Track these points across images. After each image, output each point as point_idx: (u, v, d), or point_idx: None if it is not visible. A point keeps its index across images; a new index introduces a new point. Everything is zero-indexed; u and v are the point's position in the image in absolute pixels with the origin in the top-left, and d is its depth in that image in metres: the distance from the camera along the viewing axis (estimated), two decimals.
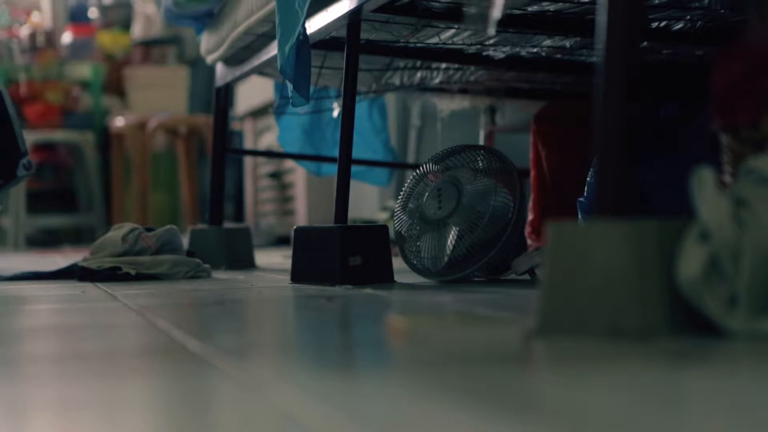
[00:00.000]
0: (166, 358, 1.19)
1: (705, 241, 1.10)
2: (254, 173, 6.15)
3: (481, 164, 2.24)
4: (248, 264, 3.13)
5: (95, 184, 6.73)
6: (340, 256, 2.13)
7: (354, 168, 2.58)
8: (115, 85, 7.03)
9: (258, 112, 5.88)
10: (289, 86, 2.19)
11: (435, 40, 2.47)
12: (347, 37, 2.23)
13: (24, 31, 7.16)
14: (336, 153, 2.30)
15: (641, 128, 1.18)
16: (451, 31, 2.40)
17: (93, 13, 7.41)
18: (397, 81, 2.94)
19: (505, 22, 2.18)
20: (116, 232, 2.60)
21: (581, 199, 2.11)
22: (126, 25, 7.22)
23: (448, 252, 2.18)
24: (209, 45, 3.09)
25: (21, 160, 2.61)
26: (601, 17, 1.17)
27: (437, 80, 2.93)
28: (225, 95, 3.23)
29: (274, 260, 3.50)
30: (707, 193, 1.12)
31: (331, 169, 3.54)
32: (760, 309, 1.09)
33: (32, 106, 6.54)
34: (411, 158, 4.37)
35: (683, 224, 1.12)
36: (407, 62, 2.81)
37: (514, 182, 2.21)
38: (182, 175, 6.53)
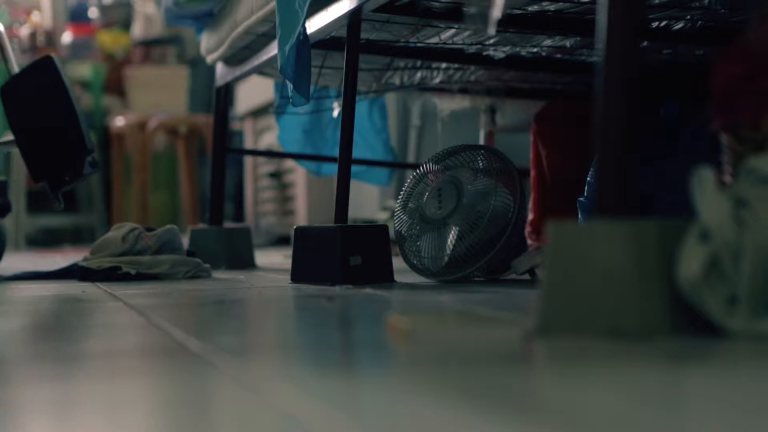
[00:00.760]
0: (166, 358, 1.19)
1: (705, 241, 1.10)
2: (254, 173, 6.15)
3: (481, 164, 2.24)
4: (248, 264, 3.13)
5: (95, 184, 6.73)
6: (340, 256, 2.13)
7: (354, 168, 2.58)
8: (115, 85, 7.03)
9: (258, 112, 5.88)
10: (289, 86, 2.19)
11: (435, 40, 2.47)
12: (347, 37, 2.23)
13: (24, 31, 7.16)
14: (336, 153, 2.30)
15: (641, 128, 1.18)
16: (451, 31, 2.40)
17: (93, 13, 7.41)
18: (397, 81, 2.94)
19: (505, 22, 2.17)
20: (116, 232, 2.60)
21: (581, 199, 2.11)
22: (126, 25, 7.22)
23: (448, 252, 2.18)
24: (209, 45, 3.09)
25: (87, 157, 2.60)
26: (601, 17, 1.17)
27: (437, 80, 2.93)
28: (225, 95, 3.23)
29: (274, 260, 3.50)
30: (707, 193, 1.12)
31: (331, 169, 3.54)
32: (760, 309, 1.09)
33: None
34: (411, 158, 4.37)
35: (683, 224, 1.12)
36: (407, 62, 2.81)
37: (514, 182, 2.21)
38: (182, 175, 6.53)
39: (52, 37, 7.24)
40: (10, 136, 2.72)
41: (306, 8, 2.09)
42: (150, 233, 2.62)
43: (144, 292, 2.12)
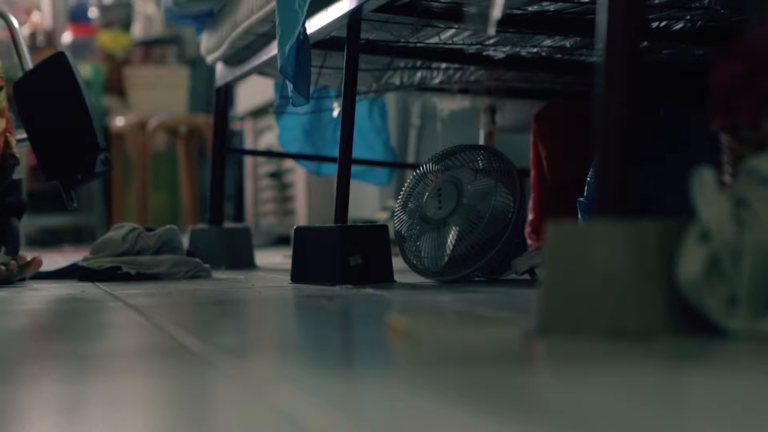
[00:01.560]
0: (166, 358, 1.19)
1: (705, 241, 1.10)
2: (254, 173, 6.15)
3: (481, 164, 2.24)
4: (248, 264, 3.13)
5: (95, 184, 6.73)
6: (340, 256, 2.13)
7: (354, 168, 2.58)
8: (115, 85, 7.03)
9: (258, 112, 5.88)
10: (289, 86, 2.19)
11: (435, 40, 2.47)
12: (347, 37, 2.23)
13: (24, 31, 7.16)
14: (336, 153, 2.30)
15: (641, 128, 1.18)
16: (451, 31, 2.40)
17: (93, 12, 7.41)
18: (397, 81, 2.94)
19: (505, 22, 2.17)
20: (116, 232, 2.60)
21: (581, 199, 2.11)
22: (126, 25, 7.22)
23: (448, 252, 2.18)
24: (209, 45, 3.09)
25: (99, 156, 2.58)
26: (601, 17, 1.17)
27: (437, 80, 2.93)
28: (225, 95, 3.23)
29: (274, 260, 3.50)
30: (707, 193, 1.12)
31: (331, 169, 3.54)
32: (760, 309, 1.09)
33: None
34: (411, 158, 4.37)
35: (683, 224, 1.12)
36: (407, 62, 2.81)
37: (514, 182, 2.21)
38: (182, 175, 6.53)
39: (52, 37, 7.24)
40: (23, 134, 2.69)
41: (306, 8, 2.09)
42: (150, 233, 2.62)
43: (144, 292, 2.12)
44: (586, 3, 2.12)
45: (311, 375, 1.03)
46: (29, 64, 2.80)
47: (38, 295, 2.15)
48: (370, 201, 4.62)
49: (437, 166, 2.29)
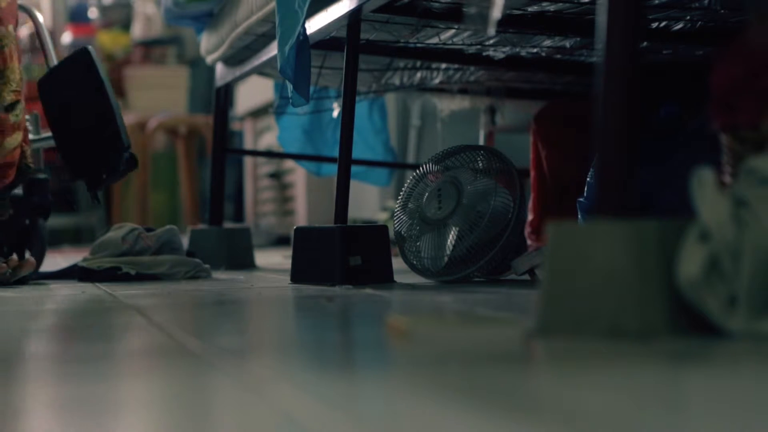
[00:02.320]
0: (166, 358, 1.19)
1: (705, 241, 1.10)
2: (254, 173, 6.15)
3: (481, 164, 2.24)
4: (248, 264, 3.13)
5: None
6: (340, 256, 2.13)
7: (354, 168, 2.58)
8: (115, 85, 7.01)
9: (258, 112, 5.88)
10: (289, 86, 2.19)
11: (435, 40, 2.47)
12: (347, 37, 2.23)
13: (24, 31, 7.16)
14: (336, 153, 2.30)
15: (641, 128, 1.18)
16: (451, 31, 2.40)
17: (93, 13, 7.41)
18: (397, 81, 2.94)
19: (505, 22, 2.17)
20: (116, 232, 2.60)
21: (581, 199, 2.11)
22: (126, 25, 7.22)
23: (448, 252, 2.18)
24: (209, 45, 3.09)
25: (124, 154, 2.51)
26: (601, 17, 1.17)
27: (437, 80, 2.93)
28: (225, 95, 3.23)
29: (274, 260, 3.50)
30: (707, 193, 1.12)
31: (331, 169, 3.54)
32: (760, 309, 1.09)
33: (32, 106, 6.53)
34: (411, 158, 4.37)
35: (683, 224, 1.12)
36: (407, 62, 2.81)
37: (514, 182, 2.21)
38: (182, 175, 6.53)
39: (52, 37, 7.24)
40: (48, 132, 2.63)
41: (306, 8, 2.09)
42: (150, 233, 2.62)
43: (144, 292, 2.12)
44: (586, 3, 2.12)
45: (311, 375, 1.03)
46: (54, 60, 2.75)
47: (38, 296, 2.15)
48: (370, 201, 4.62)
49: (437, 167, 2.29)
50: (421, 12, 2.22)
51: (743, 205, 1.12)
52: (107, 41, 7.23)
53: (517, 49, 2.55)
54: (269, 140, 5.68)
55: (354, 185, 2.40)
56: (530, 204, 2.71)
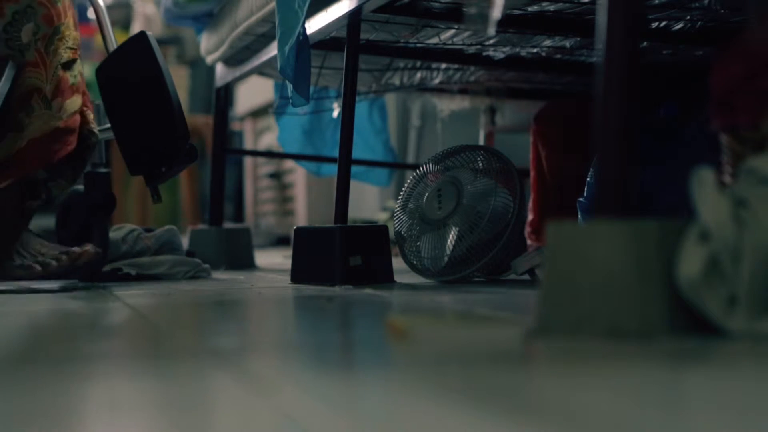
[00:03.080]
0: (165, 358, 1.19)
1: (705, 241, 1.10)
2: (254, 173, 6.15)
3: (481, 164, 2.25)
4: (248, 264, 3.14)
5: None
6: (340, 256, 2.13)
7: (354, 168, 2.58)
8: None
9: (258, 112, 5.88)
10: (289, 86, 2.19)
11: (435, 40, 2.47)
12: (347, 37, 2.23)
13: None
14: (336, 153, 2.30)
15: (641, 128, 1.18)
16: (451, 32, 2.40)
17: (93, 13, 7.41)
18: (397, 81, 2.94)
19: (505, 22, 2.18)
20: (116, 233, 2.60)
21: (581, 199, 2.11)
22: (126, 25, 7.22)
23: (448, 252, 2.18)
24: (209, 45, 3.09)
25: (184, 146, 2.29)
26: (601, 17, 1.17)
27: (437, 80, 2.93)
28: (225, 95, 3.24)
29: (274, 260, 3.50)
30: (707, 193, 1.12)
31: (331, 169, 3.54)
32: (760, 309, 1.09)
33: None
34: (411, 158, 4.37)
35: (683, 224, 1.12)
36: (407, 62, 2.81)
37: (514, 182, 2.21)
38: (182, 176, 6.53)
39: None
40: (107, 124, 2.47)
41: (306, 8, 2.09)
42: (149, 234, 2.62)
43: (144, 292, 2.12)
44: (586, 3, 2.12)
45: (311, 375, 1.03)
46: (113, 44, 2.56)
47: (38, 296, 2.15)
48: (370, 201, 4.62)
49: (437, 167, 2.29)
50: (421, 12, 2.22)
51: (743, 205, 1.12)
52: None
53: (517, 49, 2.55)
54: (269, 140, 5.68)
55: (354, 185, 2.40)
56: (530, 204, 2.71)
